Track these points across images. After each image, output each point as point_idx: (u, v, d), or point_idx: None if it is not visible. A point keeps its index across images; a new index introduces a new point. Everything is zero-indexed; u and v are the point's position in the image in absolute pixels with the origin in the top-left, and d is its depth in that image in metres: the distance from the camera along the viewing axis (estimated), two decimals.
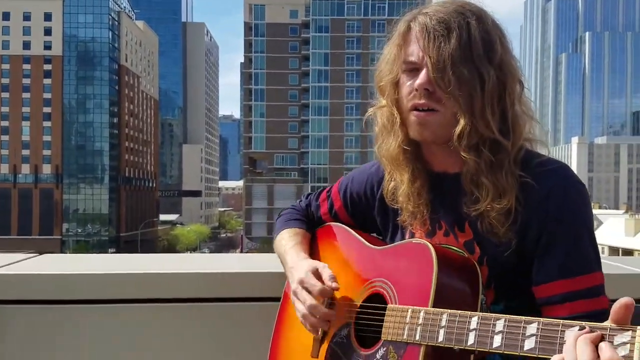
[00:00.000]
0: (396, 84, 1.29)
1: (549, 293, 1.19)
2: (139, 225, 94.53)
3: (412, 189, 1.33)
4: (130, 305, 1.77)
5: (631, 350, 0.86)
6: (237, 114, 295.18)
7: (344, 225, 1.50)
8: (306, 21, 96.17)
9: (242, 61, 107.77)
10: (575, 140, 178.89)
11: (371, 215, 1.50)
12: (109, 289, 1.78)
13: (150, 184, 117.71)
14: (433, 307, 1.11)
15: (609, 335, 0.88)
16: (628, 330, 0.87)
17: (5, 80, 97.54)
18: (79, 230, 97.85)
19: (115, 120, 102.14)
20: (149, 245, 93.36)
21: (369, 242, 1.39)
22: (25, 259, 2.02)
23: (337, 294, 1.36)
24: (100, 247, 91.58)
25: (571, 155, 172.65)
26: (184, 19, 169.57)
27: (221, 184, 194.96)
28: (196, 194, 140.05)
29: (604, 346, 0.87)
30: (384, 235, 1.47)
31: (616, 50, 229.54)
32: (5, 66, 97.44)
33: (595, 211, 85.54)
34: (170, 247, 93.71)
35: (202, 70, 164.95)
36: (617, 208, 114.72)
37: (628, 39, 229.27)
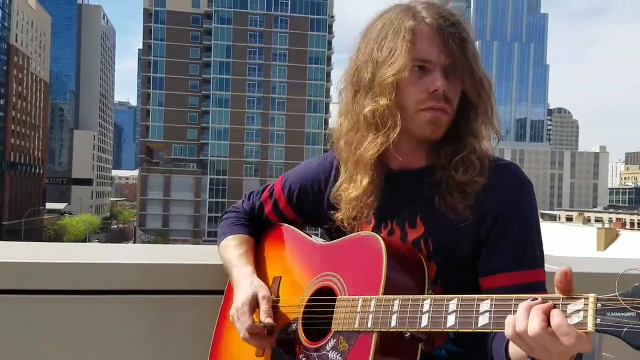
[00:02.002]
0: (400, 82, 1.26)
1: (495, 285, 1.21)
2: (24, 214, 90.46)
3: (368, 189, 1.33)
4: (70, 296, 1.70)
5: (585, 317, 0.88)
6: (134, 101, 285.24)
7: (291, 226, 1.52)
8: (208, 11, 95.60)
9: (141, 47, 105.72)
10: None
11: (321, 211, 1.48)
12: (29, 279, 1.69)
13: (37, 170, 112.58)
14: (384, 290, 1.12)
15: (561, 305, 0.92)
16: (580, 298, 0.90)
17: None
18: None
19: (2, 102, 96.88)
20: (34, 235, 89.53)
21: (316, 239, 1.41)
22: None
23: (282, 294, 1.38)
24: None
25: None
26: (79, 1, 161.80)
27: (114, 172, 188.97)
28: (87, 182, 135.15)
29: (555, 313, 0.90)
30: (337, 231, 1.44)
31: (503, 60, 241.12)
32: None
33: None
34: (57, 238, 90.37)
35: (97, 55, 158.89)
36: None
37: (515, 49, 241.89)
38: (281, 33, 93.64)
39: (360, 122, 1.31)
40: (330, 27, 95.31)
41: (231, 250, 1.53)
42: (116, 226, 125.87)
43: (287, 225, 1.53)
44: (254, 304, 1.34)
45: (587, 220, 65.28)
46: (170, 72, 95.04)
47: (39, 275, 1.70)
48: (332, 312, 1.22)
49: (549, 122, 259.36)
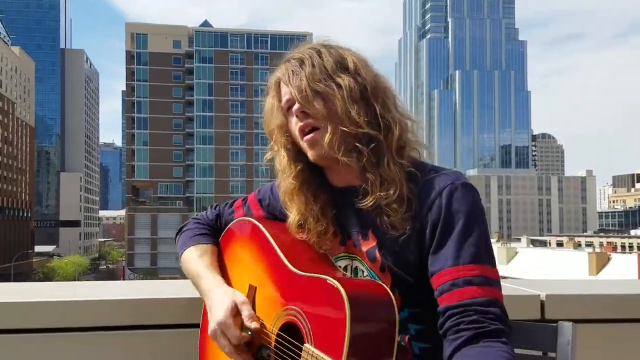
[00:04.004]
0: (285, 126, 1.41)
1: (440, 282, 1.22)
2: (12, 258, 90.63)
3: (315, 211, 1.40)
4: (46, 334, 1.66)
5: None
6: (118, 141, 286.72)
7: (264, 230, 1.45)
8: (190, 51, 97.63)
9: (124, 89, 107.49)
10: None
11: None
12: (20, 317, 1.66)
13: (25, 214, 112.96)
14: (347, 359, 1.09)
15: None
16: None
17: None
18: None
19: None
20: (24, 278, 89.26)
21: (285, 255, 1.36)
22: None
23: (257, 309, 1.37)
24: None
25: None
26: (62, 46, 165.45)
27: (102, 213, 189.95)
28: (74, 224, 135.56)
29: None
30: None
31: (484, 88, 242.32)
32: None
33: None
34: (47, 280, 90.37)
35: (82, 97, 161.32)
36: None
37: (495, 77, 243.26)
38: (262, 69, 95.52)
39: (277, 167, 1.49)
40: None
41: (195, 263, 1.51)
42: (105, 267, 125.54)
43: (260, 227, 1.48)
44: (235, 313, 1.34)
45: (577, 245, 64.92)
46: (154, 112, 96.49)
47: (18, 314, 1.69)
48: (299, 356, 1.20)
49: (533, 148, 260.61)
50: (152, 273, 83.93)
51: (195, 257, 1.53)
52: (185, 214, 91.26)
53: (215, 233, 1.62)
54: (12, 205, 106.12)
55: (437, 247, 1.26)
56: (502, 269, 52.42)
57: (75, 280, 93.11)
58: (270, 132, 1.46)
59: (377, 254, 1.32)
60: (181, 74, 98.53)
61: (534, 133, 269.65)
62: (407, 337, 1.31)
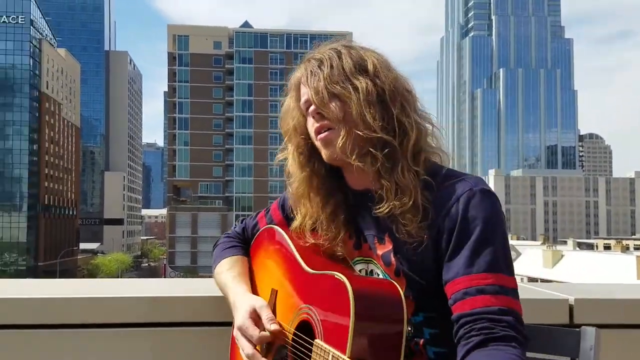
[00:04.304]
0: (301, 126, 1.42)
1: (454, 290, 1.22)
2: (59, 254, 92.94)
3: (324, 216, 1.41)
4: (68, 330, 1.70)
5: None
6: (160, 142, 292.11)
7: (284, 234, 1.49)
8: (230, 52, 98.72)
9: (166, 90, 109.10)
10: (492, 172, 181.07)
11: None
12: (44, 313, 1.70)
13: (71, 212, 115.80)
14: (351, 352, 1.11)
15: None
16: None
17: None
18: None
19: (35, 147, 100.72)
20: (69, 275, 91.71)
21: (303, 257, 1.39)
22: None
23: (278, 310, 1.40)
24: (17, 277, 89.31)
25: None
26: (107, 48, 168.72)
27: (144, 212, 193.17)
28: (118, 222, 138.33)
29: None
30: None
31: (529, 87, 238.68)
32: None
33: (513, 242, 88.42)
34: (91, 277, 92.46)
35: (125, 99, 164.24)
36: (534, 239, 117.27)
37: (540, 76, 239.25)
38: None
39: (290, 166, 1.50)
40: None
41: (224, 275, 1.56)
42: (147, 264, 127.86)
43: (281, 232, 1.52)
44: (255, 317, 1.37)
45: (626, 249, 62.36)
46: (195, 113, 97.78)
47: (41, 310, 1.72)
48: (311, 352, 1.23)
49: (580, 148, 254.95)
50: (192, 271, 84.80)
51: (224, 270, 1.58)
52: (225, 214, 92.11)
53: (245, 244, 1.67)
54: (58, 203, 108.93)
55: (452, 254, 1.25)
56: (547, 272, 51.32)
57: (118, 277, 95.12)
58: (286, 132, 1.47)
59: (393, 258, 1.32)
60: (221, 75, 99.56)
61: (581, 133, 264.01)
62: (421, 341, 1.30)
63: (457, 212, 1.25)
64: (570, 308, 1.85)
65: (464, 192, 1.26)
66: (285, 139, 1.49)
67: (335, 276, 1.21)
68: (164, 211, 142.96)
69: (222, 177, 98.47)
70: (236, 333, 1.39)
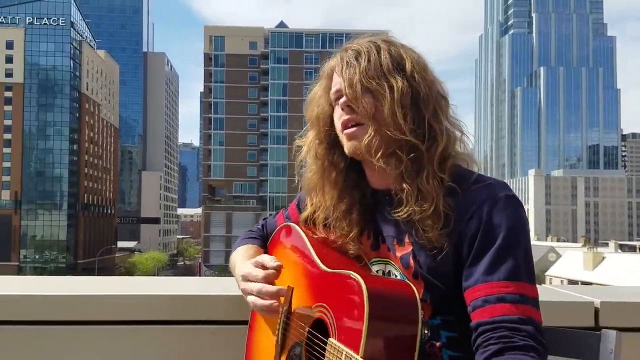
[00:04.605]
0: (325, 116, 1.40)
1: (473, 297, 1.20)
2: (97, 252, 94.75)
3: (341, 210, 1.40)
4: (89, 327, 1.74)
5: None
6: (196, 141, 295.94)
7: (301, 232, 1.49)
8: (265, 52, 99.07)
9: (202, 90, 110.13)
10: (532, 172, 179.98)
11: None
12: (65, 309, 1.74)
13: (109, 211, 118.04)
14: (365, 352, 1.11)
15: None
16: None
17: None
18: (37, 257, 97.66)
19: (75, 147, 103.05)
20: (107, 272, 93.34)
21: (319, 255, 1.38)
22: None
23: (294, 307, 1.39)
24: (57, 274, 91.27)
25: (528, 187, 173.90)
26: (145, 49, 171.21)
27: (180, 211, 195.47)
28: (155, 221, 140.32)
29: None
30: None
31: (571, 85, 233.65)
32: None
33: (553, 244, 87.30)
34: (128, 274, 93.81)
35: (162, 99, 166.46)
36: (575, 241, 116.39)
37: (582, 74, 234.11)
38: None
39: (308, 155, 1.49)
40: None
41: (237, 257, 1.58)
42: (182, 263, 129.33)
43: (297, 229, 1.52)
44: (259, 265, 1.42)
45: None
46: (230, 113, 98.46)
47: (64, 307, 1.75)
48: (323, 356, 1.23)
49: (623, 148, 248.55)
50: (226, 270, 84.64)
51: (239, 254, 1.59)
52: (259, 213, 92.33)
53: (263, 239, 1.68)
54: (97, 202, 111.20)
55: (473, 261, 1.23)
56: (588, 275, 50.53)
57: (154, 275, 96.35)
58: (309, 119, 1.46)
59: (412, 261, 1.30)
60: (256, 75, 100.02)
61: (624, 132, 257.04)
62: (438, 344, 1.28)
63: (479, 218, 1.23)
64: (596, 311, 1.82)
65: (487, 198, 1.24)
66: (307, 126, 1.47)
67: (351, 275, 1.21)
68: (199, 210, 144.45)
69: (256, 176, 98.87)
70: (242, 283, 1.42)
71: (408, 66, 1.31)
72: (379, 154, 1.29)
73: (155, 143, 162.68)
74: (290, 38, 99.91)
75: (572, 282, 46.92)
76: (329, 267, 1.32)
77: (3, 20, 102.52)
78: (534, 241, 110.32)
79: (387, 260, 1.36)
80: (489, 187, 1.27)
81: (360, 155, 1.34)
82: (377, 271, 1.38)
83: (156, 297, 1.79)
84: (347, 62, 1.33)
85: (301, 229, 1.51)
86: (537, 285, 2.26)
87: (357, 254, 1.41)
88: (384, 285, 1.25)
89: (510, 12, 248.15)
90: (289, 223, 1.59)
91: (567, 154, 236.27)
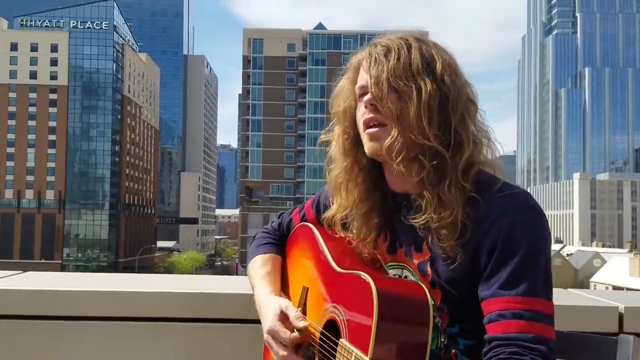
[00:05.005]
0: (352, 111, 1.35)
1: (489, 310, 1.18)
2: (137, 251, 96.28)
3: (361, 211, 1.37)
4: (109, 322, 1.78)
5: None
6: (234, 143, 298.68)
7: (315, 230, 1.49)
8: (303, 54, 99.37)
9: (241, 92, 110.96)
10: (577, 176, 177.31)
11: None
12: (86, 305, 1.79)
13: (149, 211, 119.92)
14: (374, 353, 1.10)
15: None
16: None
17: (12, 109, 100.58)
18: (79, 255, 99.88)
19: (117, 148, 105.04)
20: (146, 271, 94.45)
21: (333, 256, 1.37)
22: (8, 276, 2.07)
23: (308, 308, 1.40)
24: (98, 272, 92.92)
25: (573, 191, 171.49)
26: (185, 52, 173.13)
27: (218, 212, 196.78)
28: (193, 221, 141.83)
29: None
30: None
31: (617, 86, 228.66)
32: (12, 94, 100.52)
33: (598, 249, 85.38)
34: (167, 274, 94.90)
35: (202, 101, 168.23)
36: (620, 246, 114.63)
37: (629, 75, 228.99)
38: None
39: (332, 150, 1.45)
40: None
41: (254, 272, 1.55)
42: (220, 263, 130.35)
43: (314, 229, 1.51)
44: (283, 317, 1.36)
45: None
46: (268, 114, 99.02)
47: (83, 302, 1.80)
48: (334, 356, 1.23)
49: None
50: None
51: (256, 267, 1.56)
52: None
53: (280, 241, 1.65)
54: (138, 202, 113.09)
55: (491, 272, 1.20)
56: (634, 281, 49.46)
57: (192, 274, 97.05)
58: (335, 114, 1.41)
59: (429, 269, 1.28)
60: (294, 77, 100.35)
61: None
62: (453, 351, 1.27)
63: (499, 229, 1.19)
64: (620, 316, 1.79)
65: (508, 209, 1.20)
66: (333, 121, 1.43)
67: (361, 276, 1.20)
68: (236, 211, 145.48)
69: (293, 178, 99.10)
70: (267, 337, 1.38)
71: (438, 68, 1.26)
72: (400, 158, 1.25)
73: (194, 144, 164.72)
74: (329, 39, 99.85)
75: (617, 288, 46.09)
76: (342, 268, 1.31)
77: (48, 24, 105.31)
78: (578, 247, 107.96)
79: (404, 265, 1.33)
80: (511, 197, 1.22)
81: (381, 157, 1.30)
82: (393, 275, 1.36)
83: (175, 294, 1.81)
84: (375, 58, 1.28)
85: (318, 229, 1.49)
86: (562, 289, 2.18)
87: (372, 257, 1.39)
88: (394, 286, 1.24)
89: (553, 12, 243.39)
90: (305, 223, 1.57)
91: (613, 157, 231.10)
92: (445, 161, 1.23)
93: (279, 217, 1.71)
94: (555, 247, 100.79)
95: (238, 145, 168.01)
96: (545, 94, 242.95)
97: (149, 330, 1.79)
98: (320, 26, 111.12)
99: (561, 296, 1.98)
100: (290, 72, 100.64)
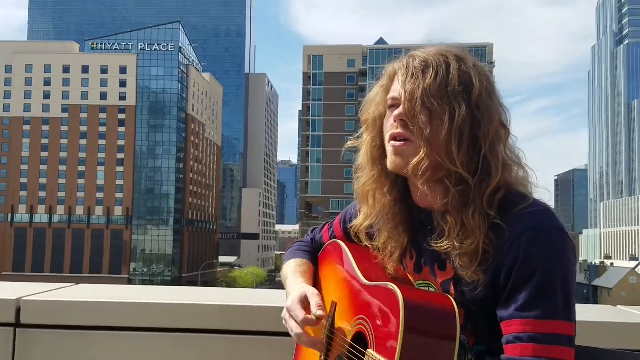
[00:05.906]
0: (381, 120, 1.33)
1: (507, 331, 1.18)
2: (200, 266, 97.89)
3: (390, 226, 1.36)
4: (153, 334, 1.82)
5: None
6: (294, 159, 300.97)
7: (344, 247, 1.51)
8: (363, 69, 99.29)
9: (301, 109, 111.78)
10: None
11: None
12: (133, 316, 1.82)
13: (212, 227, 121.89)
14: None
15: None
16: None
17: (83, 128, 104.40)
18: (145, 270, 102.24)
19: (181, 165, 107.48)
20: (209, 286, 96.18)
21: (362, 271, 1.38)
22: (59, 288, 2.14)
23: (337, 321, 1.41)
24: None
25: None
26: (247, 70, 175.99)
27: (278, 227, 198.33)
28: (254, 237, 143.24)
29: None
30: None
31: None
32: (84, 115, 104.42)
33: None
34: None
35: (263, 118, 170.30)
36: None
37: None
38: None
39: (359, 158, 1.48)
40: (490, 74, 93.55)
41: (289, 269, 1.58)
42: (280, 279, 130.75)
43: (343, 246, 1.52)
44: (304, 302, 1.37)
45: None
46: (327, 130, 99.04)
47: (122, 313, 1.86)
48: None
49: None
50: None
51: (291, 266, 1.59)
52: None
53: (313, 253, 1.67)
54: (201, 218, 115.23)
55: (510, 293, 1.18)
56: None
57: None
58: (365, 121, 1.40)
59: (452, 289, 1.27)
60: (354, 92, 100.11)
61: None
62: (469, 342, 1.26)
63: (518, 249, 1.17)
64: None
65: (527, 229, 1.18)
66: (363, 127, 1.41)
67: (388, 286, 1.20)
68: (296, 227, 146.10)
69: (352, 194, 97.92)
70: (284, 313, 1.40)
71: (475, 91, 1.23)
72: (424, 178, 1.23)
73: (255, 161, 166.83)
74: (389, 54, 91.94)
75: None
76: (370, 281, 1.32)
77: (117, 47, 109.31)
78: None
79: (429, 283, 1.33)
80: (531, 216, 1.19)
81: (405, 174, 1.28)
82: None
83: (206, 306, 1.86)
84: (412, 72, 1.25)
85: (347, 245, 1.51)
86: (611, 306, 2.20)
87: (397, 274, 1.40)
88: (421, 297, 1.23)
89: (624, 21, 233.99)
90: (335, 240, 1.59)
91: None
92: (470, 188, 1.21)
93: (311, 232, 1.74)
94: (630, 264, 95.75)
95: (298, 161, 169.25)
96: (618, 106, 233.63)
97: (181, 342, 1.83)
98: (381, 41, 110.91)
99: (609, 314, 2.03)
100: (350, 88, 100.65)
